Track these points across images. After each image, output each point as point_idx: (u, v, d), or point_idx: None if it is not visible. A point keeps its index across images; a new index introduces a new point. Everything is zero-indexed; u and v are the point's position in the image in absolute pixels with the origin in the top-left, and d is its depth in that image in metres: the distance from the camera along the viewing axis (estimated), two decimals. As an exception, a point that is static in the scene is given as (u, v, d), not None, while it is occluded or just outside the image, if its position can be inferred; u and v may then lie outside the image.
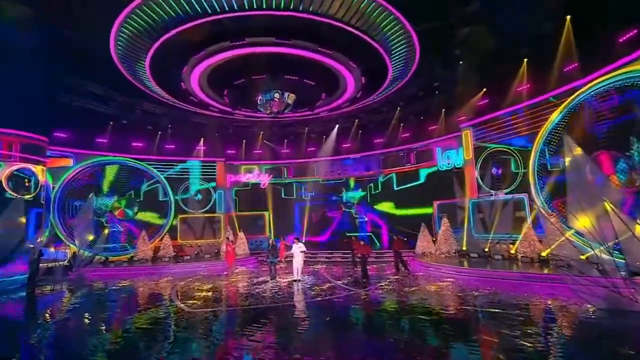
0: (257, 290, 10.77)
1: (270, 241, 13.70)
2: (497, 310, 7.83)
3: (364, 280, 12.08)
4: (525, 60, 14.97)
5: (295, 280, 12.05)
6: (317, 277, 13.18)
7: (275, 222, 23.27)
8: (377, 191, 22.75)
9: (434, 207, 19.46)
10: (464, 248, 16.40)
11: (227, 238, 17.28)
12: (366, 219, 22.69)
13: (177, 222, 21.09)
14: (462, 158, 18.27)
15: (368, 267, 13.30)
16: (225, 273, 14.36)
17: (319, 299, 9.34)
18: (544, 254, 12.59)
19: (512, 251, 13.98)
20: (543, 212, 13.13)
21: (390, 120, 21.90)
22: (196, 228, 21.46)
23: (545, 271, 11.18)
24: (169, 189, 21.52)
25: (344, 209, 23.43)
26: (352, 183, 23.71)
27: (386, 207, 21.96)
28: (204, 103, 18.92)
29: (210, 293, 10.64)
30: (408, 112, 21.50)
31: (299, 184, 24.30)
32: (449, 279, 11.75)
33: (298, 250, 12.22)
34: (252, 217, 23.00)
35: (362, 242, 14.03)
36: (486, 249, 15.13)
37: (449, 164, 19.05)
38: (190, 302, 9.46)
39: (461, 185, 17.67)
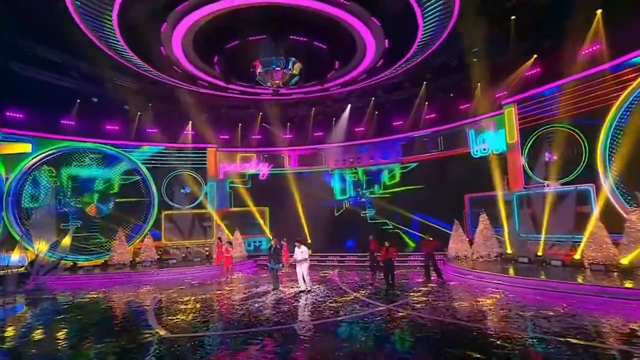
0: (256, 305, 9.84)
1: (272, 243, 12.52)
2: (594, 344, 6.10)
3: (391, 291, 11.18)
4: (599, 12, 12.97)
5: (302, 291, 11.18)
6: (330, 286, 12.33)
7: (276, 219, 22.53)
8: (393, 181, 22.03)
9: (465, 202, 18.47)
10: (509, 251, 15.04)
11: (219, 239, 16.09)
12: (374, 213, 22.13)
13: (160, 220, 20.47)
14: (503, 142, 16.96)
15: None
16: (218, 280, 13.67)
17: (335, 318, 8.19)
18: (624, 260, 10.78)
19: (577, 256, 12.22)
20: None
21: (413, 99, 20.94)
22: (183, 227, 20.75)
23: (631, 285, 9.34)
24: (150, 181, 20.69)
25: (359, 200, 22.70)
26: (363, 173, 23.00)
27: (406, 200, 20.97)
28: (190, 75, 17.71)
29: (197, 309, 9.57)
30: (436, 88, 20.16)
31: (304, 174, 23.60)
32: (496, 291, 10.57)
33: (300, 256, 11.28)
34: (250, 213, 22.26)
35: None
36: (539, 253, 13.66)
37: (484, 149, 17.76)
38: (172, 321, 8.42)
39: (502, 174, 16.48)
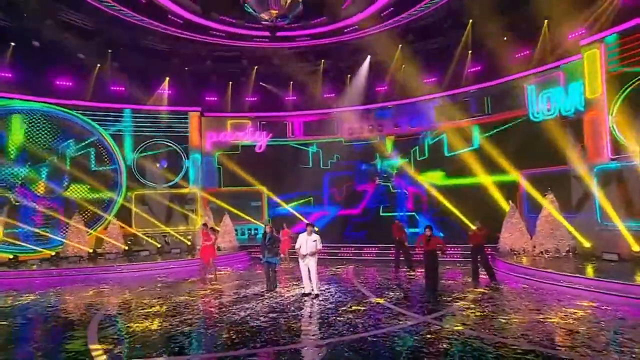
0: (242, 314, 9.05)
1: (266, 228, 11.62)
2: None
3: (433, 297, 10.40)
4: None
5: (307, 295, 10.47)
6: (343, 288, 11.76)
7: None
8: (423, 157, 21.73)
9: (520, 180, 17.55)
10: (587, 245, 13.86)
11: (205, 225, 15.31)
12: (407, 195, 22.04)
13: (130, 202, 20.23)
14: (578, 98, 15.48)
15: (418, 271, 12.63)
16: (202, 277, 13.25)
17: (352, 335, 7.31)
18: None
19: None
20: None
21: (452, 47, 19.97)
22: (159, 210, 20.59)
23: None
24: (117, 153, 20.19)
25: (378, 182, 22.70)
26: (389, 144, 22.60)
27: (440, 178, 20.77)
28: (159, 6, 16.78)
29: (160, 320, 8.71)
30: (483, 32, 18.35)
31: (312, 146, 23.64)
32: (579, 300, 9.45)
33: (312, 244, 10.34)
34: (244, 194, 22.41)
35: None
36: (635, 249, 12.34)
37: (549, 110, 16.63)
38: (120, 339, 7.57)
39: (575, 142, 15.33)
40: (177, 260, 16.84)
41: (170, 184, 20.94)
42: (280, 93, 23.29)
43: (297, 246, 10.40)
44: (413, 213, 21.30)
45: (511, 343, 6.47)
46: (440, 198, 19.75)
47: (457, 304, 9.33)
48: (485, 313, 8.41)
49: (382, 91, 22.23)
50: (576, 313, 8.24)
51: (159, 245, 19.26)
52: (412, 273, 13.46)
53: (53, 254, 17.00)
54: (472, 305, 9.09)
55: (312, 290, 10.32)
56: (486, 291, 10.60)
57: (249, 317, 8.45)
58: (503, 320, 7.80)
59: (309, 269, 10.31)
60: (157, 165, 20.80)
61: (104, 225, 19.08)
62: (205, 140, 22.22)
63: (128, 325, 8.26)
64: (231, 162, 22.31)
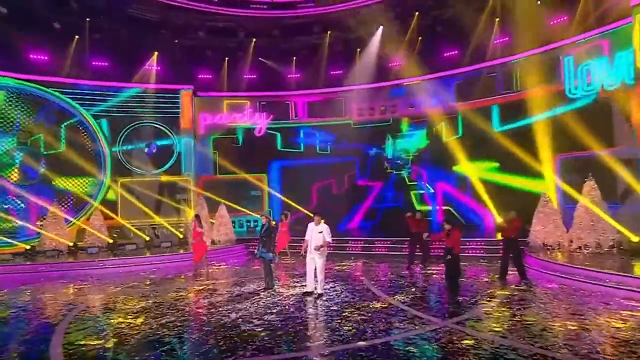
0: (234, 315, 8.92)
1: (263, 219, 11.60)
2: None
3: (454, 298, 10.21)
4: None
5: (309, 293, 10.37)
6: (351, 286, 11.64)
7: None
8: (439, 143, 21.43)
9: (554, 165, 17.43)
10: (635, 239, 13.21)
11: (197, 216, 15.27)
12: (430, 189, 21.93)
13: (115, 191, 20.39)
14: (626, 70, 14.93)
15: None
16: (193, 273, 13.47)
17: (359, 342, 7.09)
18: None
19: None
20: None
21: (475, 14, 19.48)
22: (148, 200, 20.62)
23: None
24: (100, 135, 20.20)
25: (389, 170, 22.60)
26: (405, 126, 22.47)
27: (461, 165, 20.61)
28: None
29: (139, 322, 8.63)
30: None
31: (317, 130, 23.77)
32: (634, 302, 8.92)
33: (318, 236, 10.15)
34: (241, 182, 22.44)
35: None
36: None
37: (589, 84, 16.42)
38: (87, 348, 7.26)
39: (623, 121, 15.04)
40: (167, 254, 16.69)
41: (160, 171, 20.99)
42: (282, 70, 23.20)
43: (306, 237, 10.27)
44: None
45: (552, 355, 6.04)
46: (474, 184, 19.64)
47: (483, 306, 8.97)
48: (517, 317, 8.00)
49: (396, 67, 22.03)
50: (629, 319, 7.61)
51: (147, 239, 19.19)
52: (429, 270, 13.19)
53: (27, 247, 16.92)
54: (502, 308, 8.70)
55: (316, 289, 10.09)
56: (516, 291, 10.21)
57: (240, 320, 8.22)
58: (540, 327, 7.32)
59: (317, 265, 10.14)
60: (146, 150, 20.84)
61: (86, 215, 19.06)
62: (199, 122, 22.24)
63: (100, 327, 8.18)
64: (228, 148, 22.45)
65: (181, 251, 17.19)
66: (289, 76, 23.32)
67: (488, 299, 9.62)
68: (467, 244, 16.23)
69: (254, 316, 8.50)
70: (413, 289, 10.86)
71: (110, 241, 18.14)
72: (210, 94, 22.60)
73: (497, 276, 11.60)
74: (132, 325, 8.20)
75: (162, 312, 9.07)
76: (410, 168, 21.93)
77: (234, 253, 18.18)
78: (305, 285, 10.51)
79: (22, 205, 18.21)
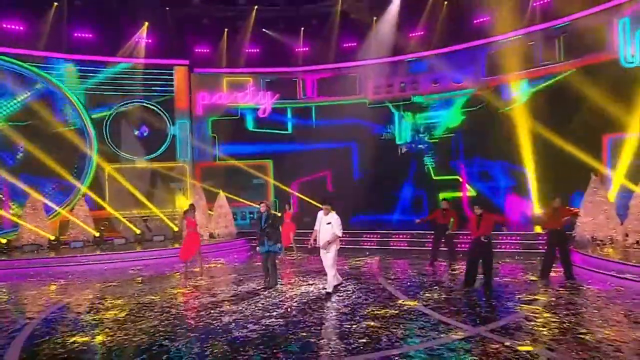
0: (227, 320, 8.67)
1: (261, 208, 11.41)
2: None
3: (490, 298, 10.03)
4: None
5: (330, 294, 10.30)
6: (365, 285, 11.48)
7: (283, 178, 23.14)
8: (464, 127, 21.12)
9: (604, 147, 16.89)
10: None
11: (191, 206, 15.06)
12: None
13: (102, 179, 20.38)
14: None
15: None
16: (185, 271, 13.25)
17: (374, 353, 6.80)
18: None
19: None
20: None
21: None
22: (139, 189, 20.65)
23: None
24: (85, 117, 19.96)
25: (404, 151, 22.52)
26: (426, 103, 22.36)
27: (492, 147, 20.27)
28: None
29: (117, 327, 8.36)
30: None
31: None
32: None
33: (326, 228, 10.03)
34: (244, 169, 22.41)
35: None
36: None
37: None
38: (54, 354, 7.04)
39: None
40: (160, 249, 16.90)
41: (152, 156, 21.04)
42: (289, 42, 22.91)
43: (315, 227, 10.26)
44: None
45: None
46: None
47: (522, 310, 8.58)
48: (565, 325, 7.51)
49: (417, 38, 21.56)
50: None
51: (138, 232, 19.21)
52: (456, 268, 12.95)
53: (4, 241, 16.94)
54: (546, 314, 8.24)
55: (326, 287, 10.14)
56: (562, 293, 9.74)
57: (233, 325, 7.95)
58: (593, 338, 6.83)
59: (330, 260, 10.18)
60: (136, 133, 20.88)
61: (69, 206, 19.10)
62: (196, 102, 22.21)
63: (67, 335, 7.78)
64: (228, 130, 22.42)
65: (176, 245, 16.96)
66: (296, 49, 23.02)
67: (528, 301, 9.23)
68: (500, 237, 15.81)
69: (249, 320, 8.26)
70: (437, 290, 10.61)
71: (97, 234, 18.19)
72: (208, 70, 22.45)
73: (538, 275, 11.16)
74: (105, 330, 7.94)
75: (144, 314, 8.88)
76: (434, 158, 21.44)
77: (235, 247, 18.26)
78: (311, 284, 10.56)
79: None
